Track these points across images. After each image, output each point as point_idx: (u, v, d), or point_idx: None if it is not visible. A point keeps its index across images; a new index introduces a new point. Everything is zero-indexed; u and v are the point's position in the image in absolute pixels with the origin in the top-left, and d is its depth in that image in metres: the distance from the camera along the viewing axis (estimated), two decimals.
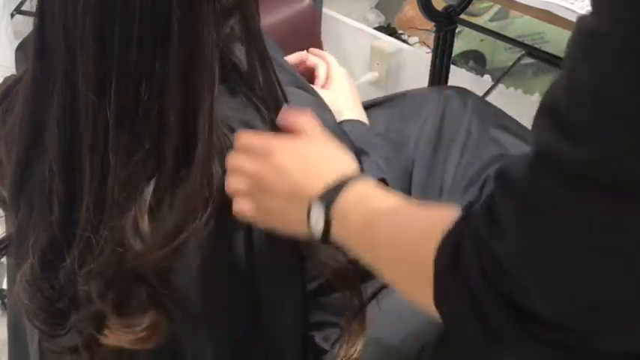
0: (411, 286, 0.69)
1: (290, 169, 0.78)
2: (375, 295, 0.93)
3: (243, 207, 0.80)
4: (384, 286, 0.93)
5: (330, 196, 0.75)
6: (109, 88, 0.75)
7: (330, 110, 0.89)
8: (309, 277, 0.89)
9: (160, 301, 0.81)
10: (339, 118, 1.02)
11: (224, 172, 0.80)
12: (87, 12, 0.74)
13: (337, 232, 0.75)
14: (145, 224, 0.77)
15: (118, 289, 0.81)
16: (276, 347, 0.86)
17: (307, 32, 1.54)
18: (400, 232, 0.71)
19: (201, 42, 0.76)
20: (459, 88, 1.36)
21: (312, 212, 0.76)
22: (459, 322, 0.63)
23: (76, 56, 0.76)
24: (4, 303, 1.69)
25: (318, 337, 0.91)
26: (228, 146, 0.80)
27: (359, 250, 0.75)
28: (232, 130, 0.81)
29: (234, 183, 0.80)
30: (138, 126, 0.76)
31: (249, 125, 0.82)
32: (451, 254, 0.62)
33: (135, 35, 0.74)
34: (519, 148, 1.18)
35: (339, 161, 0.80)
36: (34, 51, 0.80)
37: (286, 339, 0.86)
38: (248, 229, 0.82)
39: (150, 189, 0.78)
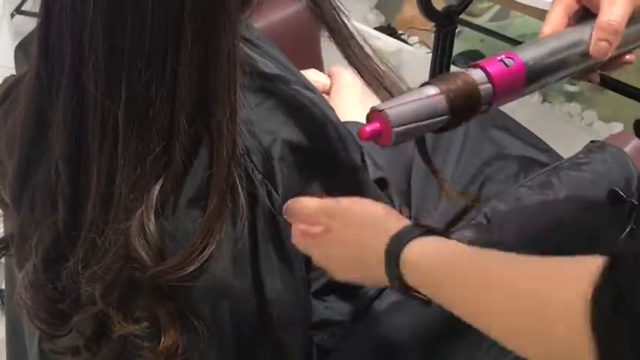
0: (528, 338, 0.62)
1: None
2: (377, 294, 0.93)
3: (314, 254, 0.80)
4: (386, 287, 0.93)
5: (396, 248, 0.72)
6: (119, 89, 0.75)
7: (332, 108, 0.89)
8: (314, 277, 0.89)
9: (181, 314, 0.81)
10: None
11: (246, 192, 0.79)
12: (98, 15, 0.73)
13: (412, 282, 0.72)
14: (151, 224, 0.77)
15: (121, 292, 0.81)
16: (281, 347, 0.86)
17: (306, 32, 1.53)
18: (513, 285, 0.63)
19: (216, 47, 0.75)
20: None
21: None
22: None
23: (84, 54, 0.75)
24: (4, 303, 1.69)
25: (323, 337, 0.91)
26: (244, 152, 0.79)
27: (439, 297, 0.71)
28: (254, 137, 0.80)
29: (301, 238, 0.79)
30: (148, 127, 0.75)
31: (273, 135, 0.81)
32: (610, 308, 0.55)
33: (146, 39, 0.73)
34: (518, 149, 1.19)
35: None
36: (39, 49, 0.79)
37: (291, 338, 0.86)
38: (254, 235, 0.81)
39: (157, 189, 0.77)
